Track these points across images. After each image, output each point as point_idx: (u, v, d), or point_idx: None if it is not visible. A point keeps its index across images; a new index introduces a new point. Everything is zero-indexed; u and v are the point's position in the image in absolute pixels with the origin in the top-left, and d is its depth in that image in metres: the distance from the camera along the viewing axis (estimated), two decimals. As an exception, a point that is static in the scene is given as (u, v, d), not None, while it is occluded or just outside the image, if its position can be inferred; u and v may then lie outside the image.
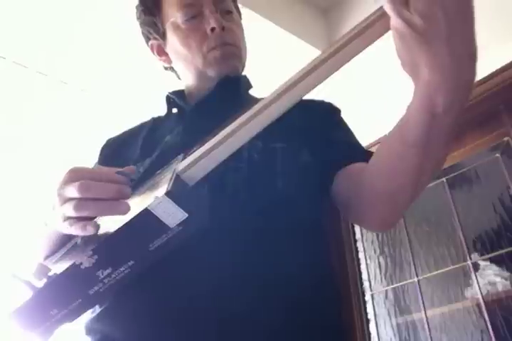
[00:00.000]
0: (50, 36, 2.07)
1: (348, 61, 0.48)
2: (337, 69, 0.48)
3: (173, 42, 0.82)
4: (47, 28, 2.03)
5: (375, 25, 0.46)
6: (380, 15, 0.46)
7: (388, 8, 0.44)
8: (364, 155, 0.72)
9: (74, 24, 2.03)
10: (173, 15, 0.81)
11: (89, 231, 0.49)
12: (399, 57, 0.46)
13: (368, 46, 0.47)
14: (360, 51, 0.47)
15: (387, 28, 0.46)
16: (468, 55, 0.44)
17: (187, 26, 0.80)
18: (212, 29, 0.78)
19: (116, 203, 0.48)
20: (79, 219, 0.49)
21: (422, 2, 0.42)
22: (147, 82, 2.24)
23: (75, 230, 0.49)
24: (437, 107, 0.46)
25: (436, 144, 0.52)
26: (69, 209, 0.49)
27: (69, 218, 0.50)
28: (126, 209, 0.48)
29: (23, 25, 2.00)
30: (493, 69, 1.60)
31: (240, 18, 0.89)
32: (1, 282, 0.54)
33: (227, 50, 0.79)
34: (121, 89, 2.42)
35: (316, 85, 0.49)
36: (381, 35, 0.47)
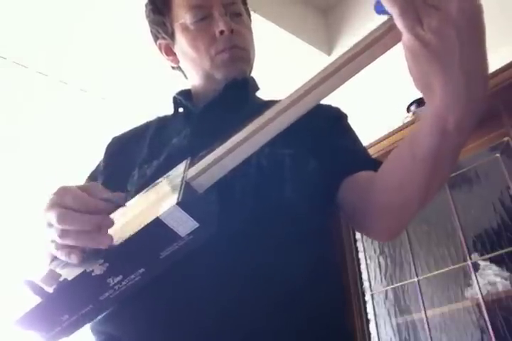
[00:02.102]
0: (50, 36, 2.07)
1: (357, 72, 0.47)
2: (347, 80, 0.48)
3: (181, 44, 0.82)
4: (47, 28, 2.03)
5: (384, 38, 0.45)
6: (389, 28, 0.45)
7: (400, 24, 0.42)
8: (372, 163, 0.72)
9: (74, 24, 2.03)
10: (182, 16, 0.81)
11: (73, 260, 0.48)
12: (411, 75, 0.45)
13: (375, 59, 0.46)
14: (368, 64, 0.47)
15: (397, 41, 0.45)
16: (480, 74, 0.43)
17: (195, 28, 0.79)
18: (221, 32, 0.78)
19: (97, 236, 0.48)
20: (64, 245, 0.49)
21: (436, 19, 0.40)
22: (148, 81, 2.24)
23: (60, 255, 0.49)
24: (449, 124, 0.46)
25: (445, 159, 0.52)
26: (54, 235, 0.49)
27: (55, 241, 0.50)
28: (107, 242, 0.47)
29: (23, 25, 2.00)
30: (493, 69, 1.60)
31: (250, 21, 0.88)
32: (11, 286, 0.54)
33: (235, 53, 0.79)
34: (121, 89, 2.42)
35: (325, 96, 0.49)
36: (391, 47, 0.46)
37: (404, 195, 0.59)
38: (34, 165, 2.74)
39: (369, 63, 0.47)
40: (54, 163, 2.71)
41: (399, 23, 0.42)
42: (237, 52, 0.79)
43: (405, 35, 0.42)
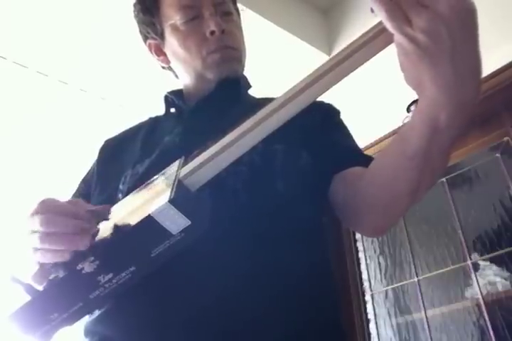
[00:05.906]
0: (50, 36, 2.07)
1: (351, 72, 0.47)
2: (340, 79, 0.48)
3: (172, 44, 0.81)
4: (47, 28, 2.04)
5: (377, 39, 0.45)
6: (383, 29, 0.45)
7: (390, 26, 0.42)
8: (363, 159, 0.72)
9: (74, 24, 2.04)
10: (172, 17, 0.80)
11: (55, 259, 0.49)
12: (403, 72, 0.45)
13: (369, 59, 0.47)
14: (361, 64, 0.47)
15: (389, 41, 0.45)
16: (472, 72, 0.43)
17: (186, 28, 0.79)
18: (212, 32, 0.77)
19: (76, 238, 0.48)
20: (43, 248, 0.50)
21: (424, 19, 0.41)
22: (147, 82, 2.24)
23: (41, 259, 0.50)
24: (440, 123, 0.46)
25: (435, 157, 0.52)
26: (35, 241, 0.49)
27: (37, 249, 0.50)
28: (84, 245, 0.48)
29: (23, 25, 2.00)
30: (493, 69, 1.60)
31: (240, 19, 0.88)
32: (0, 284, 0.54)
33: (226, 53, 0.78)
34: (121, 89, 2.42)
35: (318, 96, 0.49)
36: (384, 47, 0.46)
37: (393, 192, 0.58)
38: (34, 165, 2.74)
39: (362, 63, 0.47)
40: (54, 163, 2.71)
41: (387, 24, 0.42)
42: (228, 52, 0.79)
43: (396, 35, 0.43)
